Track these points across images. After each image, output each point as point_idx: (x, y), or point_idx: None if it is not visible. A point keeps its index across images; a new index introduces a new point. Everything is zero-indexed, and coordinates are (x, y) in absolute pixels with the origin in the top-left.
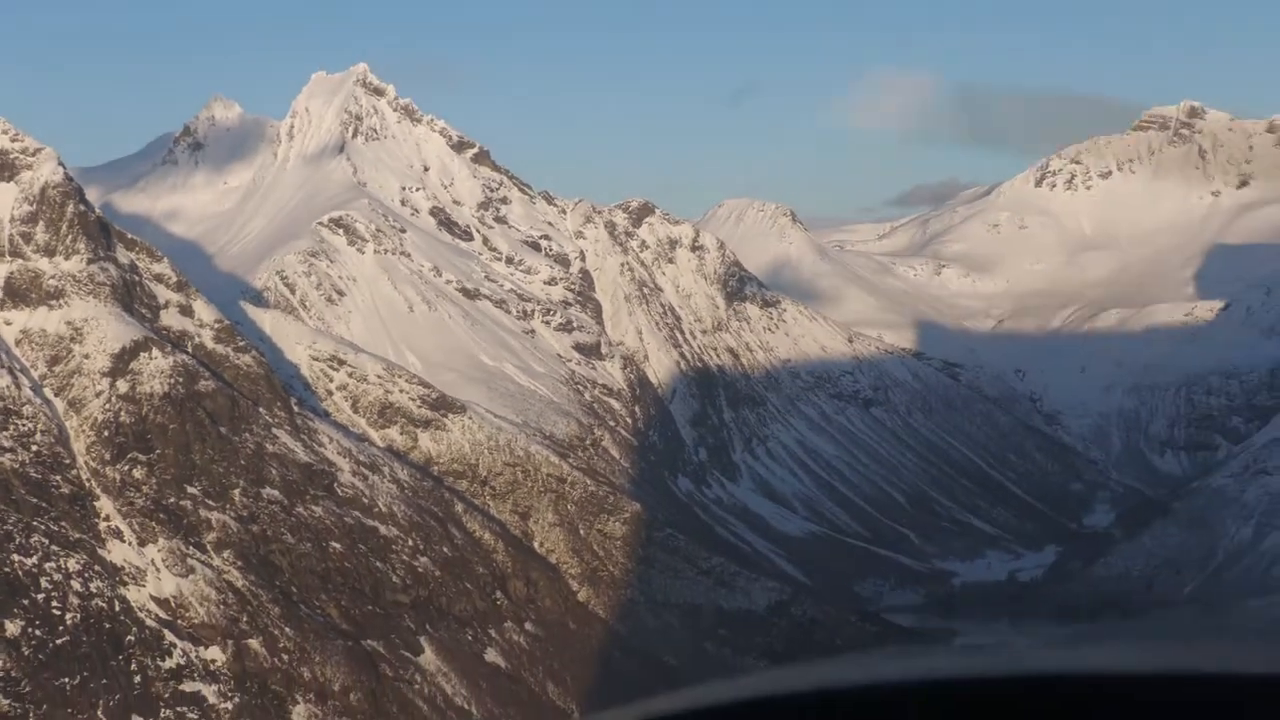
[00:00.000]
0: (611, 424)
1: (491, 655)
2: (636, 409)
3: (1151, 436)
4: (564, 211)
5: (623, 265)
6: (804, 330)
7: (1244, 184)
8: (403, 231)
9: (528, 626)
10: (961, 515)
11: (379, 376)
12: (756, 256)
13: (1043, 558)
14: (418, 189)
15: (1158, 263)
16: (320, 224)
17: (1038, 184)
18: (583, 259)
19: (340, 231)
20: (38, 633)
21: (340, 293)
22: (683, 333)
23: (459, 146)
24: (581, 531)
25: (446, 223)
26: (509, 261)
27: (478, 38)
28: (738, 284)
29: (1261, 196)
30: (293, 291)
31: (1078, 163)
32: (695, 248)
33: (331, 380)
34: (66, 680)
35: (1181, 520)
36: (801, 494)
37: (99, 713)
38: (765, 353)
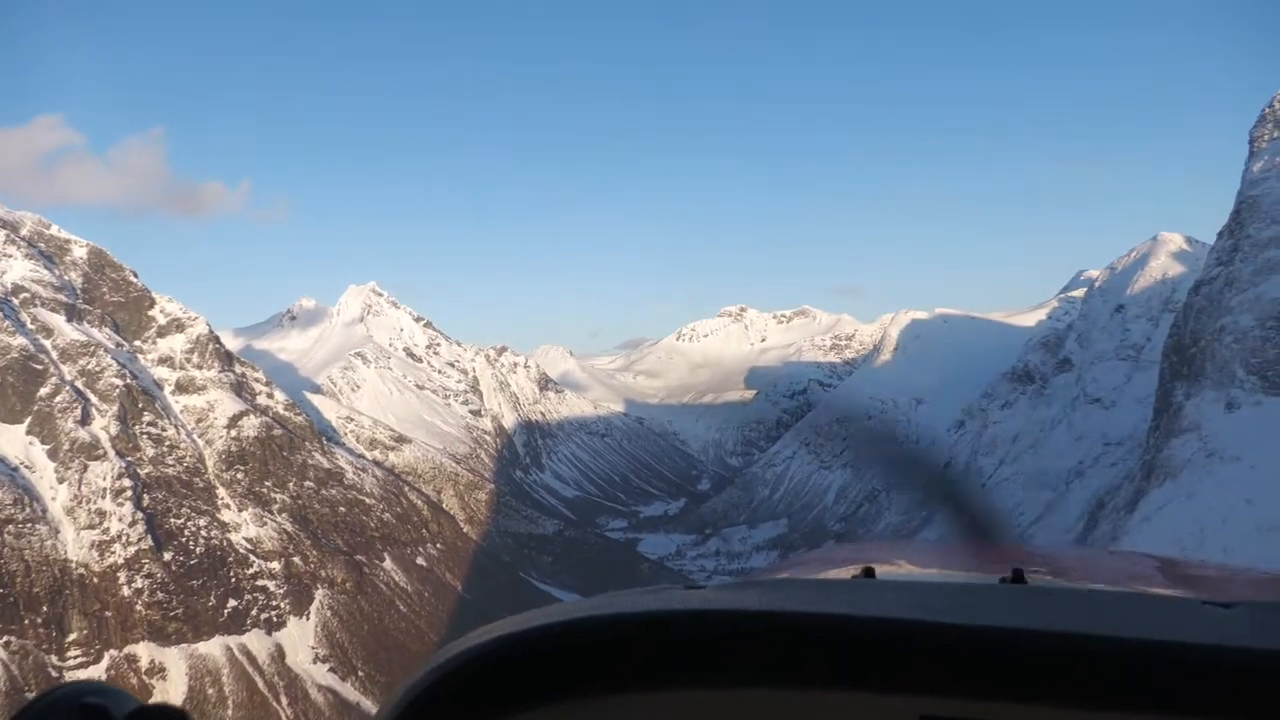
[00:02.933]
0: (485, 447)
1: (420, 560)
2: (498, 440)
3: (727, 450)
4: (465, 349)
5: (492, 374)
6: (574, 404)
7: (765, 339)
8: (389, 358)
9: (438, 545)
10: (643, 486)
11: (370, 425)
12: (554, 369)
13: (679, 504)
14: (397, 339)
15: (701, 373)
16: (350, 355)
17: (677, 339)
18: (475, 371)
19: (359, 359)
20: (181, 557)
21: (358, 387)
22: (520, 405)
23: (417, 319)
24: (466, 498)
25: (410, 355)
26: (439, 372)
27: (426, 262)
28: (544, 383)
29: (777, 344)
30: (335, 386)
31: (693, 329)
32: (525, 366)
33: (347, 428)
34: (196, 582)
35: (740, 487)
36: (573, 477)
37: (211, 597)
38: (557, 414)
